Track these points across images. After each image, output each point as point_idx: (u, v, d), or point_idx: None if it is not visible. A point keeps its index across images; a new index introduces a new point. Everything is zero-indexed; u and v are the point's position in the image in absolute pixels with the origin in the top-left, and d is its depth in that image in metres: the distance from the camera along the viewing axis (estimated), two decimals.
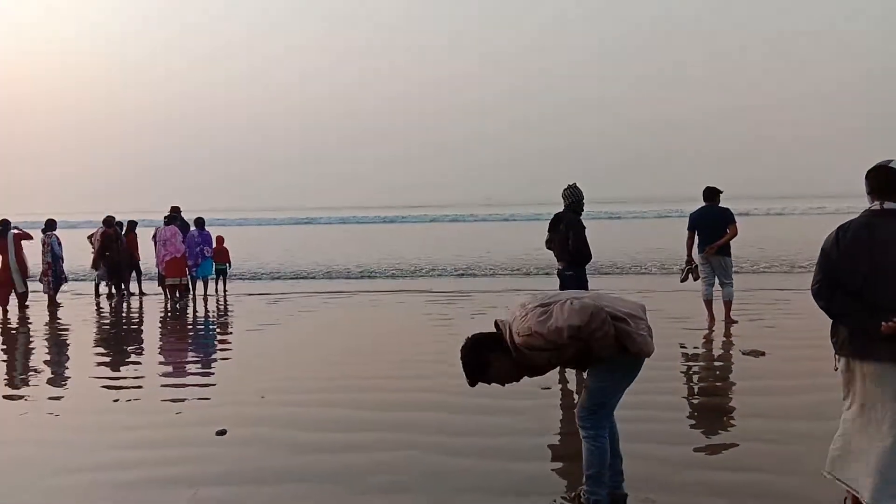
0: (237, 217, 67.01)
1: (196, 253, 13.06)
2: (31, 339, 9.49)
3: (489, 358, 3.33)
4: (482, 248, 24.35)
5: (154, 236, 13.44)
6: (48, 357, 8.38)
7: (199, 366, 7.75)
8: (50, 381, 6.99)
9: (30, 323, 10.79)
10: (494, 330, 3.41)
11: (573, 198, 6.91)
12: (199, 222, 13.51)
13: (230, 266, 14.91)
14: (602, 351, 3.19)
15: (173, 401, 5.96)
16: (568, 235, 6.78)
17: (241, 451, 4.63)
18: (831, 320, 3.20)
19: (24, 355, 8.57)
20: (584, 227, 6.87)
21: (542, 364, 3.35)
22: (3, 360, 8.15)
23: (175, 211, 13.65)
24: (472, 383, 3.39)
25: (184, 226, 13.34)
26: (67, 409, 5.86)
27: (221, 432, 4.93)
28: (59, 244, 13.00)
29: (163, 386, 6.57)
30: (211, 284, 13.87)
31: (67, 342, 9.40)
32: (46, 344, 9.21)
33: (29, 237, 12.53)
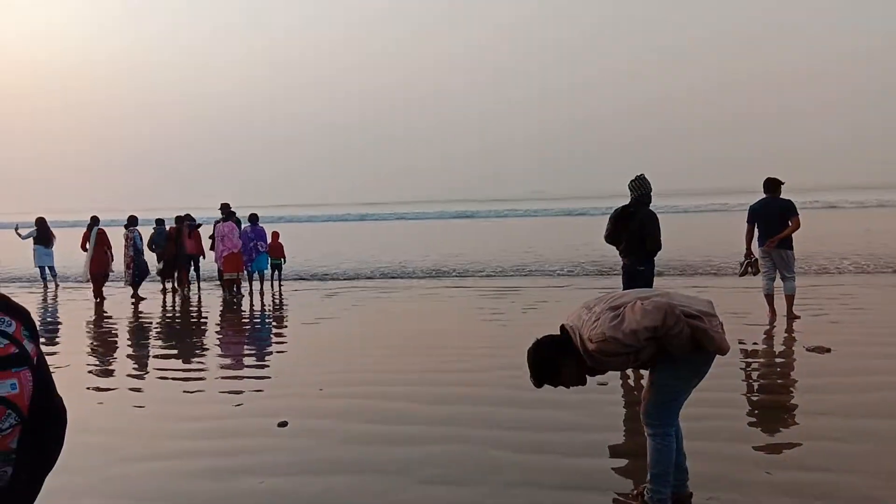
0: (304, 213, 68.22)
1: (250, 248, 13.40)
2: (102, 331, 9.92)
3: (560, 362, 3.27)
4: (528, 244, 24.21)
5: (212, 233, 13.88)
6: (119, 348, 8.72)
7: (257, 359, 7.93)
8: (119, 373, 7.27)
9: (107, 315, 11.30)
10: (560, 333, 3.34)
11: (643, 189, 6.74)
12: (253, 218, 13.85)
13: (285, 260, 15.29)
14: (678, 350, 3.12)
15: (234, 392, 6.14)
16: (643, 229, 6.65)
17: (300, 442, 4.74)
18: None
19: (97, 346, 8.93)
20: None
21: (619, 367, 3.32)
22: (83, 350, 8.51)
23: (225, 207, 14.06)
24: (539, 385, 3.34)
25: (236, 222, 13.72)
26: (136, 400, 6.10)
27: (283, 424, 5.06)
28: (141, 239, 13.91)
29: (223, 378, 6.76)
30: (268, 279, 14.23)
31: (132, 335, 9.78)
32: (117, 336, 9.59)
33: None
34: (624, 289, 7.08)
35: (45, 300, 13.74)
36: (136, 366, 7.61)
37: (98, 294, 13.12)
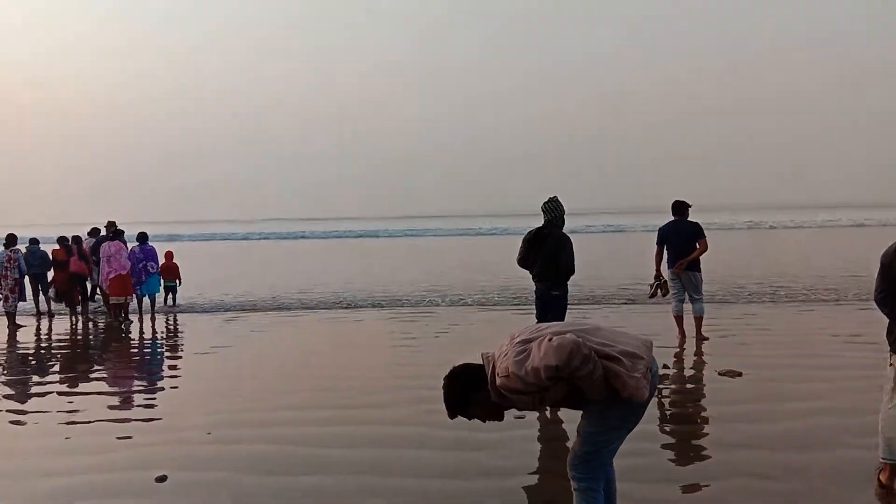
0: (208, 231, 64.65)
1: (139, 269, 12.27)
2: None
3: (473, 396, 3.00)
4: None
5: (95, 253, 12.71)
6: None
7: (142, 396, 7.06)
8: (20, 405, 6.27)
9: None
10: (481, 361, 3.04)
11: (556, 212, 6.55)
12: (142, 237, 12.72)
13: (180, 283, 14.26)
14: (592, 394, 2.83)
15: (109, 438, 5.37)
16: (557, 253, 6.43)
17: (180, 501, 4.11)
18: (889, 322, 3.78)
19: None
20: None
21: (525, 407, 2.99)
22: None
23: (111, 225, 12.93)
24: (452, 416, 3.08)
25: (123, 241, 12.60)
26: None
27: (161, 478, 4.39)
28: (24, 260, 12.41)
29: (99, 420, 5.93)
30: (159, 302, 13.15)
31: (5, 367, 8.64)
32: None
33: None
34: (537, 315, 6.86)
35: None
36: None
37: None
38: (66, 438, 5.44)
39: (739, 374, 6.77)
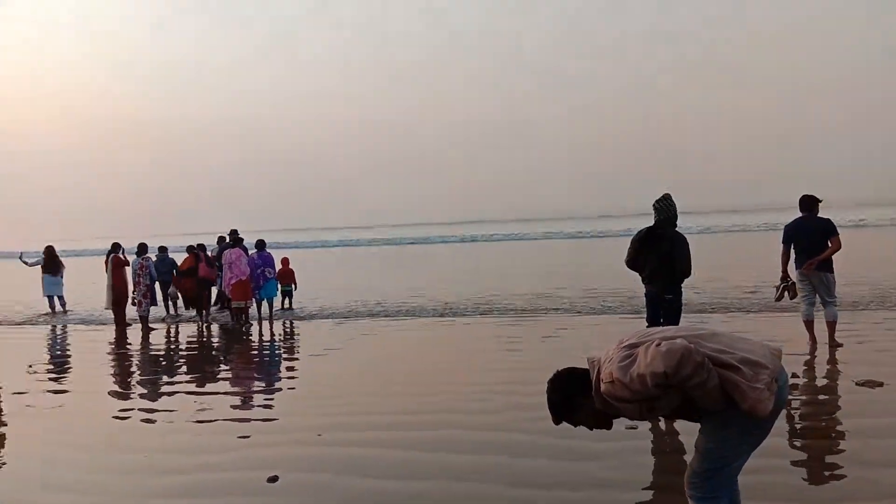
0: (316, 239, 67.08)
1: (258, 275, 12.95)
2: (104, 364, 9.49)
3: (578, 401, 2.86)
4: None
5: (219, 259, 13.54)
6: (117, 383, 8.26)
7: (259, 397, 7.37)
8: (103, 414, 6.77)
9: (117, 346, 10.89)
10: (587, 366, 2.90)
11: (669, 210, 6.25)
12: (260, 244, 13.42)
13: (296, 287, 14.87)
14: (705, 404, 2.61)
15: (228, 437, 5.62)
16: (672, 253, 6.13)
17: (289, 501, 4.21)
18: None
19: (93, 379, 8.47)
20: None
21: (632, 416, 2.80)
22: (78, 385, 8.05)
23: (233, 233, 13.74)
24: (557, 422, 2.96)
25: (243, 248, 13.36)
26: (119, 445, 5.59)
27: (273, 479, 4.53)
28: (154, 267, 13.75)
29: (220, 420, 6.23)
30: (276, 305, 13.78)
31: (139, 368, 9.33)
32: (113, 370, 9.17)
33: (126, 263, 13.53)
34: (648, 319, 6.55)
35: (53, 330, 13.39)
36: (123, 407, 7.08)
37: (120, 321, 12.91)
38: (192, 436, 5.75)
39: (881, 385, 6.14)
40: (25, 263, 16.39)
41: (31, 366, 9.43)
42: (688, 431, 4.35)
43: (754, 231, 46.18)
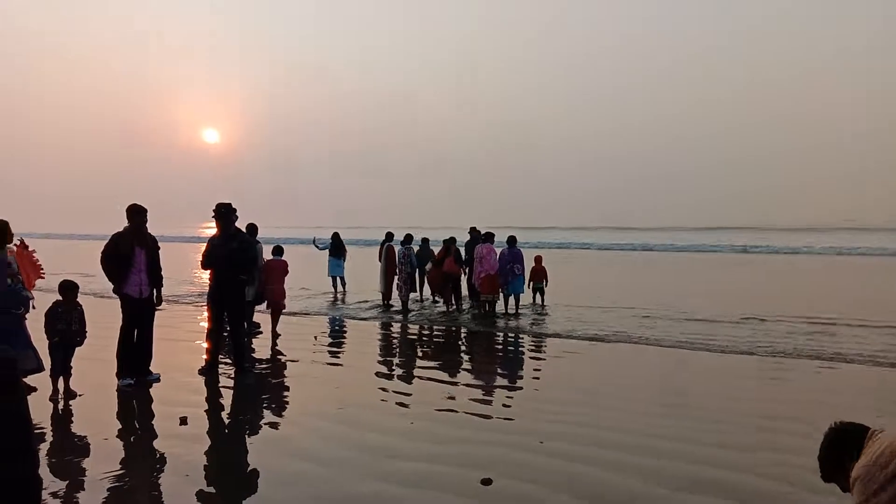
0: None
1: (507, 270, 13.13)
2: (371, 341, 10.42)
3: (847, 464, 2.51)
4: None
5: (469, 252, 14.07)
6: (392, 360, 8.98)
7: (500, 392, 7.33)
8: (398, 385, 7.33)
9: (378, 328, 11.96)
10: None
11: None
12: (511, 240, 13.57)
13: (547, 283, 14.86)
14: None
15: (453, 427, 5.67)
16: None
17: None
18: None
19: (356, 353, 9.31)
20: None
21: None
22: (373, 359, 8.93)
23: (473, 230, 14.42)
24: (825, 479, 2.69)
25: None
26: (355, 424, 5.97)
27: (486, 482, 4.40)
28: (415, 256, 14.82)
29: (447, 411, 6.35)
30: (528, 301, 13.86)
31: (389, 349, 10.05)
32: (376, 349, 9.98)
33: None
34: None
35: (334, 304, 15.15)
36: (381, 386, 7.61)
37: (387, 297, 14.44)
38: (411, 423, 5.92)
39: None
40: (317, 247, 18.76)
41: (315, 338, 10.71)
42: None
43: None
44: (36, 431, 5.41)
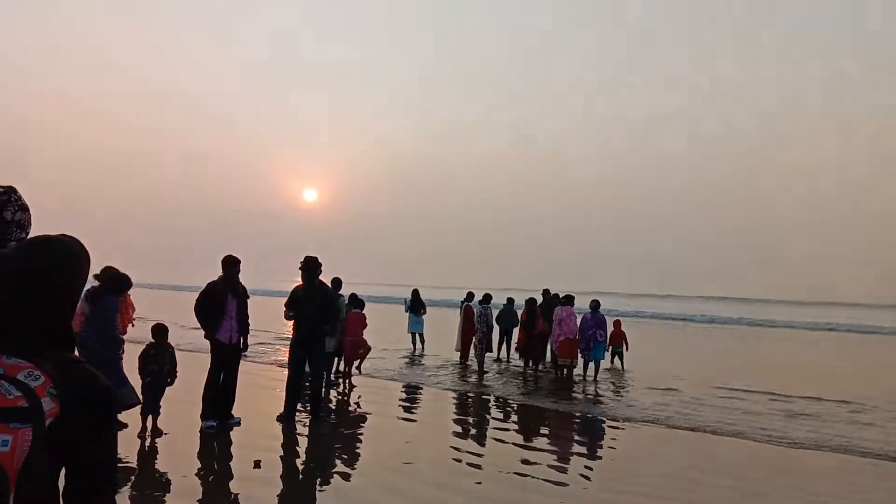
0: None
1: (588, 336, 12.85)
2: (440, 401, 10.37)
3: None
4: None
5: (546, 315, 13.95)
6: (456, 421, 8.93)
7: (568, 459, 7.18)
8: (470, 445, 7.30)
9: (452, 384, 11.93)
10: None
11: None
12: (595, 305, 13.34)
13: (627, 348, 14.59)
14: None
15: (523, 495, 5.53)
16: None
17: None
18: None
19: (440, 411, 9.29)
20: None
21: None
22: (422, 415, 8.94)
23: (546, 293, 14.41)
24: None
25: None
26: (416, 480, 5.93)
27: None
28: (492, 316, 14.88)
29: (530, 477, 6.21)
30: (608, 365, 13.47)
31: (464, 409, 9.96)
32: (455, 409, 9.91)
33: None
34: None
35: (411, 362, 15.22)
36: (454, 445, 7.55)
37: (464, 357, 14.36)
38: (476, 483, 5.82)
39: None
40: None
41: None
42: None
43: None
44: (122, 466, 5.70)
